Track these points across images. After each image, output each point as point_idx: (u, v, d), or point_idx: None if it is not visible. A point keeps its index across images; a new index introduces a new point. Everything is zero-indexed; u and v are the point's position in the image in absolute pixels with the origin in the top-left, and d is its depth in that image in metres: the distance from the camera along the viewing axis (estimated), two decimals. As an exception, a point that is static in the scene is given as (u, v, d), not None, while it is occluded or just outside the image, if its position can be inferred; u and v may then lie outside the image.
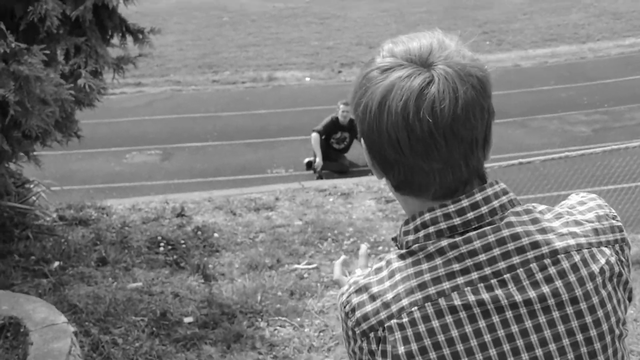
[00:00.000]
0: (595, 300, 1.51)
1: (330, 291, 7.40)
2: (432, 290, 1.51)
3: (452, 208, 1.54)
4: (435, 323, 1.50)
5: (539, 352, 1.50)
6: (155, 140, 14.25)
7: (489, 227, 1.53)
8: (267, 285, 7.44)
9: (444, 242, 1.53)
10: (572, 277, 1.51)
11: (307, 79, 18.11)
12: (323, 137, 12.52)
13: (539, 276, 1.51)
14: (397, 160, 1.52)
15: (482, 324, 1.49)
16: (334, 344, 6.52)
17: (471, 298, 1.49)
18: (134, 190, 11.83)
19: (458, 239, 1.53)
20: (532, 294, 1.50)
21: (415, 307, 1.51)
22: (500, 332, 1.49)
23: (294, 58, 19.62)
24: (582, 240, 1.55)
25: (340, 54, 19.84)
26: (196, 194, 9.98)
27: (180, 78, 18.24)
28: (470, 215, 1.54)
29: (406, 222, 1.61)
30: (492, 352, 1.49)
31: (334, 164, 12.66)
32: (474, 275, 1.51)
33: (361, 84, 1.54)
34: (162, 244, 8.21)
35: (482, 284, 1.50)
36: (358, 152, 12.91)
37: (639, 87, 16.18)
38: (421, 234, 1.56)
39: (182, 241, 8.31)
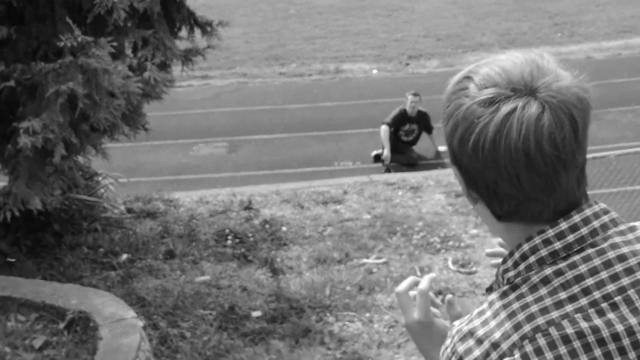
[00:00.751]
0: None
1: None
2: (540, 320, 1.41)
3: (551, 233, 1.46)
4: (549, 355, 1.39)
5: None
6: (222, 132, 14.26)
7: (592, 250, 1.45)
8: (335, 279, 7.36)
9: (548, 271, 1.44)
10: None
11: (375, 71, 17.98)
12: (392, 129, 12.39)
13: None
14: (512, 195, 1.46)
15: (597, 352, 1.39)
16: (404, 340, 6.41)
17: (583, 325, 1.39)
18: (201, 182, 11.84)
19: (562, 265, 1.44)
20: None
21: (527, 341, 1.40)
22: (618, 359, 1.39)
23: (361, 50, 19.49)
24: None
25: (407, 46, 19.65)
26: (263, 187, 9.93)
27: (247, 70, 18.23)
28: (571, 238, 1.46)
29: (504, 261, 1.52)
30: None
31: (402, 156, 12.53)
32: (583, 301, 1.41)
33: (464, 117, 1.45)
34: (229, 237, 8.18)
35: (592, 309, 1.41)
36: (426, 144, 12.77)
37: None
38: (522, 266, 1.49)
39: (250, 234, 8.27)
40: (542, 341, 1.39)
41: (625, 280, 1.42)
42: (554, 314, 1.40)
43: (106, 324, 5.09)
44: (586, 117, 1.44)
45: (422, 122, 12.75)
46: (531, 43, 19.36)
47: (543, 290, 1.43)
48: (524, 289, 1.45)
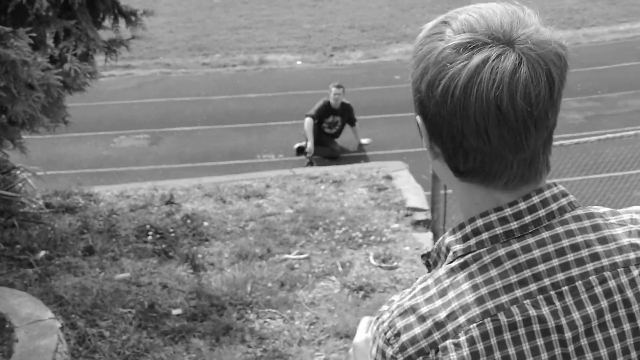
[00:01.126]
0: None
1: (321, 282, 7.32)
2: (490, 305, 1.40)
3: (508, 211, 1.44)
4: (493, 340, 1.38)
5: None
6: (144, 124, 14.13)
7: (547, 234, 1.44)
8: (257, 275, 7.35)
9: (501, 252, 1.43)
10: (630, 293, 1.43)
11: (299, 62, 17.99)
12: (315, 121, 12.41)
13: (597, 290, 1.42)
14: (477, 148, 1.41)
15: (539, 341, 1.39)
16: (325, 337, 6.44)
17: (532, 313, 1.39)
18: (122, 175, 11.72)
19: (515, 246, 1.43)
20: (590, 309, 1.41)
21: (474, 325, 1.39)
22: (557, 350, 1.40)
23: (286, 41, 19.48)
24: None
25: (332, 37, 19.70)
26: (185, 181, 9.86)
27: (170, 61, 18.09)
28: (528, 218, 1.44)
29: (453, 232, 1.50)
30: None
31: (326, 149, 12.55)
32: (533, 287, 1.41)
33: (436, 61, 1.40)
34: (150, 233, 8.11)
35: (541, 296, 1.41)
36: (349, 137, 12.82)
37: (633, 74, 16.09)
38: (472, 241, 1.46)
39: (171, 230, 8.21)
40: (489, 326, 1.39)
41: (574, 271, 1.42)
42: (504, 299, 1.39)
43: (23, 325, 5.01)
44: (563, 75, 1.42)
45: (346, 114, 12.78)
46: (454, 35, 19.58)
47: (494, 272, 1.42)
48: (473, 268, 1.43)
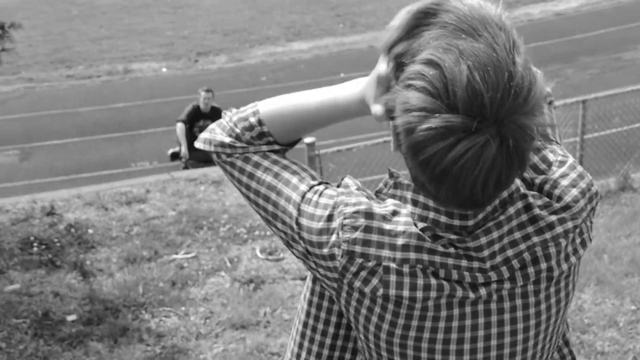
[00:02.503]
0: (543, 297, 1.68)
1: (211, 278, 7.50)
2: (437, 259, 1.59)
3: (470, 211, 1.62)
4: (433, 281, 1.59)
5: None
6: (11, 139, 13.95)
7: (485, 240, 1.61)
8: (147, 277, 7.48)
9: (441, 233, 1.61)
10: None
11: (164, 69, 18.05)
12: (187, 126, 12.51)
13: (516, 274, 1.63)
14: (440, 200, 1.55)
15: (464, 293, 1.60)
16: (221, 330, 6.63)
17: (454, 277, 1.60)
18: (-6, 192, 11.59)
19: (453, 236, 1.61)
20: (482, 291, 1.62)
21: (420, 266, 1.59)
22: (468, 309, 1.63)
23: (149, 49, 19.49)
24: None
25: (195, 42, 19.82)
26: (64, 192, 9.86)
27: (32, 75, 17.86)
28: (471, 222, 1.62)
29: (415, 191, 1.64)
30: (456, 311, 1.63)
31: (199, 153, 12.56)
32: (463, 262, 1.60)
33: (422, 131, 1.41)
34: (35, 244, 8.11)
35: (479, 274, 1.61)
36: (223, 140, 12.95)
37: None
38: (431, 215, 1.62)
39: (56, 240, 8.24)
40: (430, 271, 1.60)
41: (498, 259, 1.64)
42: (437, 258, 1.61)
43: None
44: (530, 150, 1.49)
45: (216, 118, 12.83)
46: (316, 35, 19.97)
47: (439, 245, 1.62)
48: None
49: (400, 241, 1.59)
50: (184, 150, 12.26)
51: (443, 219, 1.61)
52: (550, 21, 20.39)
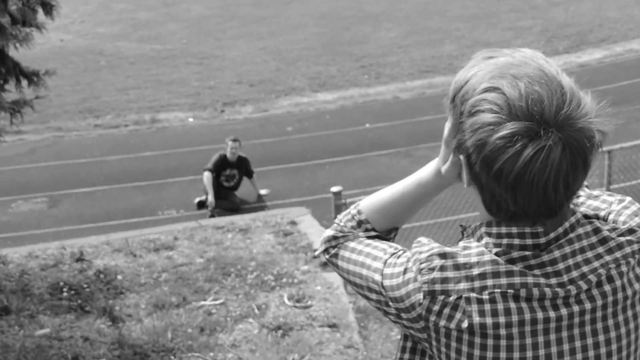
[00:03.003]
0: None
1: (239, 325, 7.55)
2: (517, 280, 1.69)
3: (540, 228, 1.72)
4: (512, 305, 1.68)
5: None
6: (40, 187, 14.11)
7: (558, 253, 1.72)
8: (176, 323, 7.54)
9: (527, 253, 1.71)
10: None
11: (191, 119, 18.21)
12: (214, 175, 12.64)
13: (594, 292, 1.72)
14: (514, 212, 1.68)
15: (551, 314, 1.69)
16: (249, 376, 6.67)
17: (548, 293, 1.69)
18: (23, 239, 11.68)
19: (539, 252, 1.72)
20: (563, 311, 1.71)
21: (498, 290, 1.69)
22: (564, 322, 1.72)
23: (176, 99, 19.68)
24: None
25: (221, 93, 19.99)
26: (93, 238, 9.97)
27: (61, 124, 18.07)
28: (552, 234, 1.73)
29: (489, 224, 1.75)
30: (541, 339, 1.70)
31: (225, 202, 12.75)
32: (553, 280, 1.70)
33: (493, 143, 1.59)
34: (64, 290, 8.21)
35: (560, 289, 1.70)
36: (248, 189, 13.07)
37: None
38: (505, 241, 1.73)
39: (85, 285, 8.32)
40: (510, 294, 1.68)
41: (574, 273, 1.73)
42: (529, 279, 1.69)
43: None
44: (594, 155, 1.65)
45: (243, 167, 13.04)
46: (341, 85, 20.12)
47: (520, 265, 1.71)
48: (502, 258, 1.72)
49: (476, 271, 1.71)
50: (210, 198, 12.36)
51: (516, 241, 1.71)
52: (573, 72, 20.40)
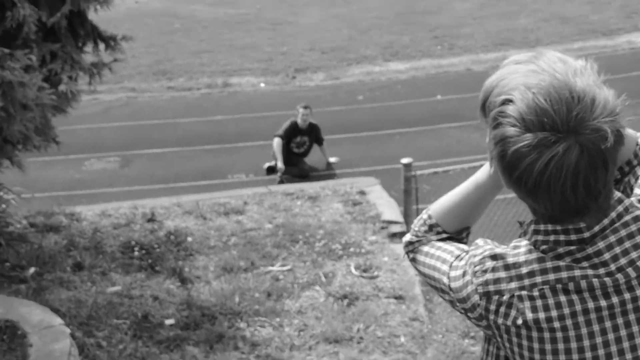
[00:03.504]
0: None
1: (306, 292, 7.61)
2: (564, 274, 1.78)
3: (582, 224, 1.78)
4: (563, 298, 1.77)
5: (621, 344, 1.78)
6: (113, 147, 14.32)
7: (603, 244, 1.77)
8: (243, 287, 7.62)
9: (573, 247, 1.78)
10: None
11: (262, 84, 18.29)
12: (284, 141, 12.68)
13: (634, 282, 1.77)
14: (543, 214, 1.80)
15: (602, 303, 1.76)
16: (315, 343, 6.73)
17: (596, 283, 1.76)
18: (95, 197, 11.88)
19: (584, 245, 1.78)
20: (614, 299, 1.77)
21: (547, 286, 1.78)
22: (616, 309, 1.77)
23: (248, 64, 19.76)
24: None
25: (293, 59, 20.02)
26: (165, 199, 10.10)
27: (135, 85, 18.28)
28: (596, 228, 1.78)
29: (537, 222, 1.84)
30: (596, 327, 1.76)
31: (295, 168, 12.81)
32: (601, 270, 1.76)
33: (512, 154, 1.70)
34: (135, 249, 8.34)
35: (608, 278, 1.76)
36: (317, 156, 13.11)
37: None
38: (552, 237, 1.80)
39: (156, 245, 8.45)
40: (559, 288, 1.76)
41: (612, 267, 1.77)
42: (577, 273, 1.77)
43: (35, 331, 5.24)
44: (616, 154, 1.72)
45: (313, 134, 13.08)
46: (413, 56, 20.00)
47: (567, 259, 1.78)
48: (550, 254, 1.81)
49: (524, 269, 1.81)
50: (280, 164, 12.42)
51: (562, 237, 1.79)
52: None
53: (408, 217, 9.29)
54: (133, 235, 8.71)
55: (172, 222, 9.22)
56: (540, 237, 1.82)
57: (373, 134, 14.36)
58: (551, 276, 1.77)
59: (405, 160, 9.22)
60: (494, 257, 1.85)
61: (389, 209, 9.58)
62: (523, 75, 1.75)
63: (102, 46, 8.15)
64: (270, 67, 19.47)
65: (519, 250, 1.84)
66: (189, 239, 8.69)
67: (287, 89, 17.85)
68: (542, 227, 1.81)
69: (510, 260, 1.83)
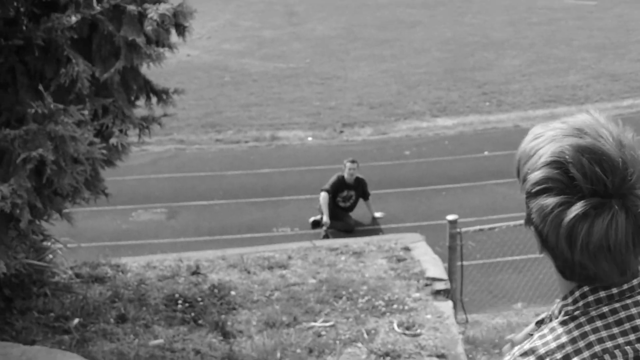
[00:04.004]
0: None
1: (348, 349, 7.58)
2: (597, 348, 1.74)
3: (626, 285, 1.80)
4: None
5: None
6: (160, 198, 14.45)
7: (635, 310, 1.79)
8: (285, 342, 7.61)
9: (605, 309, 1.78)
10: None
11: (310, 138, 18.38)
12: (330, 195, 12.73)
13: None
14: (587, 274, 1.77)
15: None
16: (356, 401, 6.69)
17: (631, 355, 1.75)
18: (142, 248, 11.98)
19: (616, 305, 1.78)
20: None
21: None
22: None
23: (296, 118, 19.89)
24: None
25: (341, 114, 20.11)
26: (210, 252, 10.16)
27: (184, 137, 18.47)
28: (625, 286, 1.80)
29: (564, 298, 1.84)
30: None
31: (340, 222, 12.84)
32: (632, 336, 1.76)
33: (565, 220, 1.70)
34: (179, 302, 8.39)
35: (639, 344, 1.76)
36: (363, 211, 13.13)
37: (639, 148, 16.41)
38: (581, 303, 1.80)
39: (199, 299, 8.49)
40: None
41: None
42: (609, 344, 1.75)
43: (77, 384, 5.28)
44: None
45: (360, 188, 13.12)
46: (461, 112, 20.00)
47: (599, 323, 1.77)
48: (582, 319, 1.78)
49: (559, 355, 1.76)
50: (325, 218, 12.46)
51: (591, 298, 1.79)
52: None
53: (452, 274, 9.26)
54: (177, 287, 8.76)
55: (217, 275, 9.27)
56: (570, 308, 1.81)
57: (419, 189, 14.36)
58: (586, 354, 1.74)
59: (450, 217, 9.21)
60: (524, 354, 1.80)
61: (434, 266, 9.54)
62: (564, 138, 1.75)
63: (154, 99, 8.26)
64: (318, 122, 19.58)
65: (546, 338, 1.80)
66: (233, 292, 8.72)
67: (335, 143, 17.92)
68: (569, 299, 1.82)
69: (542, 350, 1.78)
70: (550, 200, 1.70)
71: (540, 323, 1.94)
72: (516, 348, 1.83)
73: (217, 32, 30.51)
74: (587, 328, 1.76)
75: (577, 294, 1.81)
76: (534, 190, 1.74)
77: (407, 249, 10.13)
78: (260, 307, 8.43)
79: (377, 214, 13.20)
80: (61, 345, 7.19)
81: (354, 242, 10.53)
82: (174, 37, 7.58)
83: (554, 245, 1.74)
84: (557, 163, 1.71)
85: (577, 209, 1.67)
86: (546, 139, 1.77)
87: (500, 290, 10.28)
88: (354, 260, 9.80)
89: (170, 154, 17.44)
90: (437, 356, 7.48)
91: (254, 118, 19.97)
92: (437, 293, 8.83)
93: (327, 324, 8.06)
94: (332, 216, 12.61)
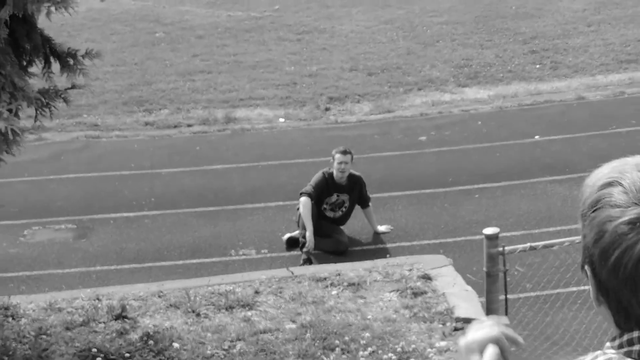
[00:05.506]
0: None
1: None
2: None
3: None
4: None
5: None
6: (65, 209, 14.36)
7: None
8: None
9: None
10: None
11: (282, 119, 18.35)
12: (313, 202, 12.55)
13: None
14: None
15: None
16: None
17: None
18: (39, 281, 11.89)
19: None
20: None
21: None
22: None
23: (261, 90, 19.85)
24: None
25: (327, 83, 20.08)
26: (140, 287, 10.12)
27: (97, 120, 18.38)
28: None
29: (613, 339, 2.16)
30: None
31: (328, 240, 12.65)
32: None
33: (611, 233, 2.06)
34: (98, 359, 8.34)
35: None
36: (361, 224, 13.06)
37: None
38: (623, 350, 2.11)
39: (127, 354, 8.45)
40: None
41: None
42: None
43: None
44: None
45: (355, 191, 12.92)
46: (500, 79, 20.04)
47: None
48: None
49: None
50: (309, 235, 12.24)
51: (637, 347, 2.09)
52: None
53: (492, 312, 9.22)
54: (94, 338, 8.72)
55: (151, 319, 9.24)
56: (612, 352, 2.12)
57: (440, 190, 14.34)
58: None
59: (489, 231, 9.17)
60: None
61: (465, 302, 9.55)
62: (620, 164, 2.16)
63: (56, 65, 8.18)
64: (292, 95, 19.57)
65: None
66: (175, 344, 8.68)
67: (318, 126, 17.91)
68: (616, 342, 2.13)
69: None
70: (604, 211, 2.10)
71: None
72: None
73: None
74: None
75: (625, 337, 2.12)
76: (591, 211, 2.13)
77: (426, 277, 10.14)
78: (216, 365, 8.41)
79: (382, 228, 13.14)
80: None
81: (350, 269, 10.52)
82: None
83: (599, 272, 2.11)
84: (615, 182, 2.13)
85: (628, 214, 2.04)
86: (603, 169, 2.21)
87: (560, 335, 10.29)
88: (350, 295, 9.80)
89: (79, 144, 17.36)
90: None
91: (200, 91, 19.95)
92: (470, 341, 8.82)
93: (315, 390, 8.05)
94: (317, 231, 12.49)
